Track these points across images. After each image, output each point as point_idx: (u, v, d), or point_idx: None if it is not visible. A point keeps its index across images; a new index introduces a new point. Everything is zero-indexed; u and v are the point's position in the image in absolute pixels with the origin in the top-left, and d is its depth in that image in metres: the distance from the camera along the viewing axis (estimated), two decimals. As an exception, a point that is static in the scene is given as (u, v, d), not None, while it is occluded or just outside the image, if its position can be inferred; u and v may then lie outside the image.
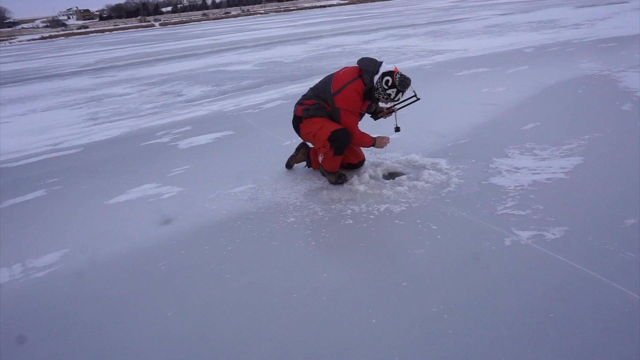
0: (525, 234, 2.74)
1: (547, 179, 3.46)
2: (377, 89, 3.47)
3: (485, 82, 7.06)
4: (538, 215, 2.94)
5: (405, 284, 2.42)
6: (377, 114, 3.91)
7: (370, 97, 3.56)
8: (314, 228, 3.11)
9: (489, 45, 11.34)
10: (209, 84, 9.97)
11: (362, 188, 3.56)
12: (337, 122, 3.57)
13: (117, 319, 2.42)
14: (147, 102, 8.62)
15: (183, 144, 5.51)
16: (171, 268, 2.83)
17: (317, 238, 2.98)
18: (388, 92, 3.44)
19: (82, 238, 3.33)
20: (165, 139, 5.80)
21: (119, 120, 7.35)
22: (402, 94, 3.49)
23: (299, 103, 3.74)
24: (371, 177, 3.79)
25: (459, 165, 3.86)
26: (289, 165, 4.20)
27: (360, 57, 3.65)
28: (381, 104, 3.83)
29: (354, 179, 3.72)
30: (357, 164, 3.94)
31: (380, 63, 3.54)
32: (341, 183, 3.73)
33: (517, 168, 3.70)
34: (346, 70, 3.63)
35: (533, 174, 3.58)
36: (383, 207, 3.28)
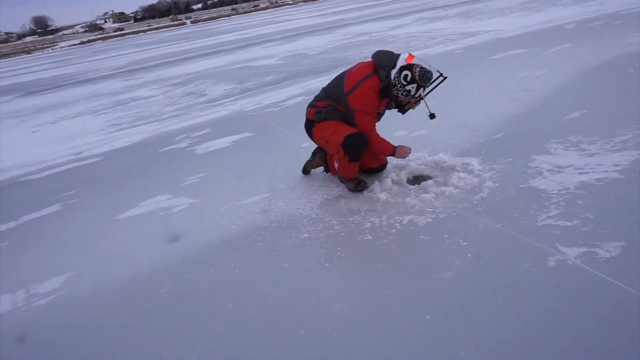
0: (573, 252, 2.33)
1: (598, 180, 3.00)
2: (395, 85, 3.11)
3: (522, 66, 6.49)
4: (588, 227, 2.52)
5: (429, 317, 2.08)
6: (403, 107, 3.50)
7: (387, 94, 3.20)
8: (328, 245, 2.81)
9: (525, 23, 10.57)
10: (232, 82, 9.78)
11: (383, 196, 3.22)
12: (352, 124, 3.23)
13: (114, 353, 2.22)
14: (170, 104, 8.53)
15: (200, 148, 5.31)
16: (173, 295, 2.61)
17: (332, 258, 2.68)
18: (407, 88, 3.07)
19: (88, 260, 3.18)
20: (183, 144, 5.63)
21: (141, 124, 7.27)
22: (424, 90, 3.11)
23: (310, 105, 3.43)
24: (394, 182, 3.44)
25: (493, 166, 3.44)
26: (306, 170, 3.91)
27: (375, 51, 3.28)
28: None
29: (375, 186, 3.38)
30: (378, 168, 3.60)
31: (398, 56, 3.16)
32: (361, 190, 3.40)
33: (561, 167, 3.25)
34: (360, 66, 3.28)
35: (580, 173, 3.12)
36: (406, 218, 2.93)
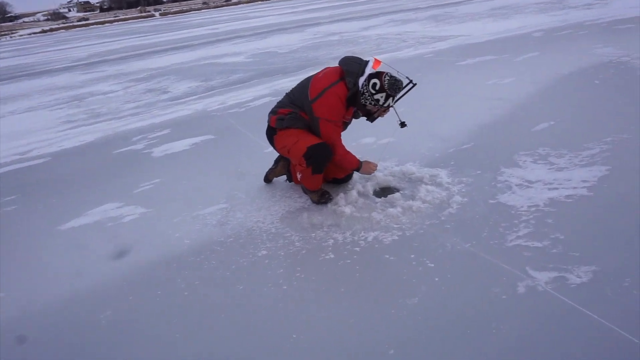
0: (543, 277, 2.21)
1: (567, 197, 2.92)
2: (363, 93, 2.94)
3: (491, 72, 6.46)
4: (558, 249, 2.41)
5: (392, 352, 1.91)
6: (372, 114, 3.33)
7: (354, 103, 3.03)
8: (287, 265, 2.61)
9: (494, 29, 10.66)
10: (197, 79, 9.42)
11: (348, 210, 3.04)
12: (317, 133, 3.04)
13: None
14: (130, 101, 8.10)
15: (158, 151, 5.00)
16: (113, 323, 2.34)
17: (290, 280, 2.47)
18: (376, 97, 2.91)
19: (20, 276, 2.86)
20: (139, 145, 5.30)
21: (97, 122, 6.84)
22: (393, 99, 2.96)
23: (272, 112, 3.21)
24: (360, 194, 3.27)
25: (462, 178, 3.32)
26: (268, 179, 3.69)
27: (342, 57, 3.10)
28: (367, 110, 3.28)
29: (340, 198, 3.20)
30: (344, 179, 3.42)
31: (366, 63, 2.99)
32: (325, 203, 3.21)
33: (530, 182, 3.16)
34: (326, 72, 3.08)
35: (549, 189, 3.04)
36: (371, 235, 2.76)
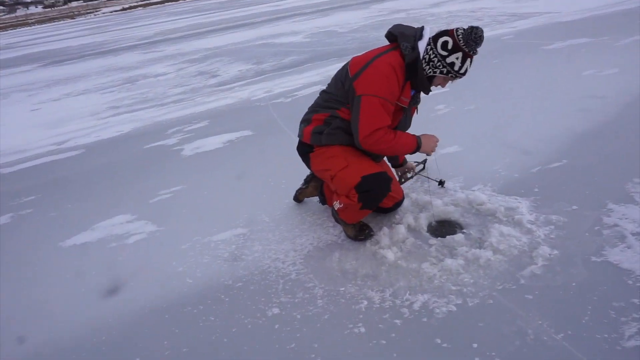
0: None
1: None
2: (430, 60, 2.16)
3: (587, 60, 5.28)
4: None
5: None
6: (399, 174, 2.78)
7: (415, 77, 2.22)
8: (302, 336, 1.95)
9: (589, 4, 9.08)
10: (249, 61, 8.88)
11: (391, 255, 2.32)
12: (354, 120, 2.23)
13: None
14: (178, 85, 7.76)
15: (189, 148, 4.51)
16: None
17: (301, 364, 1.82)
18: (449, 59, 2.12)
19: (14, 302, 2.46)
20: (172, 140, 4.84)
21: (140, 109, 6.53)
22: (471, 61, 2.14)
23: (305, 120, 2.51)
24: (409, 229, 2.53)
25: (551, 217, 2.46)
26: (298, 199, 3.03)
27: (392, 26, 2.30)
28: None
29: (382, 235, 2.48)
30: (392, 207, 2.68)
31: (422, 27, 2.22)
32: (363, 240, 2.50)
33: (654, 230, 2.24)
34: (371, 50, 2.32)
35: (686, 245, 2.11)
36: (419, 300, 2.03)
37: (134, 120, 5.97)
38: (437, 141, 2.43)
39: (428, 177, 2.88)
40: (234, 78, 7.67)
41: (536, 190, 2.75)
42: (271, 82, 6.82)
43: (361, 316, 2.00)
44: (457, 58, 2.10)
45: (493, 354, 1.70)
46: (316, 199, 3.01)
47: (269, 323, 2.05)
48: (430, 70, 2.17)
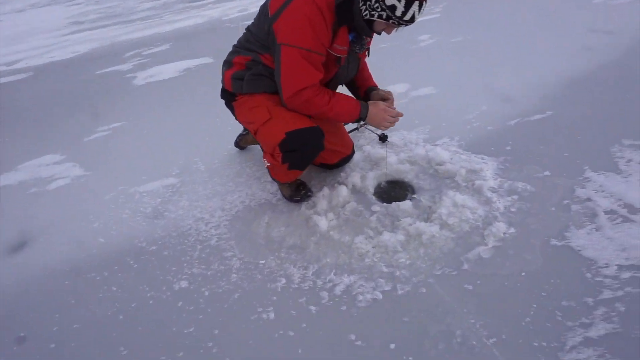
0: None
1: (697, 255, 1.67)
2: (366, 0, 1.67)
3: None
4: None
5: None
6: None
7: (349, 18, 1.76)
8: (201, 322, 1.69)
9: None
10: (232, -27, 8.01)
11: (324, 224, 2.01)
12: (277, 74, 1.81)
13: None
14: (150, 0, 7.02)
15: (142, 76, 4.06)
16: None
17: (197, 353, 1.58)
18: (389, 1, 1.63)
19: None
20: (127, 65, 4.37)
21: (102, 27, 5.95)
22: (421, 7, 1.65)
23: (226, 62, 2.07)
24: (354, 190, 2.20)
25: (518, 184, 2.11)
26: (239, 145, 2.68)
27: None
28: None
29: (321, 196, 2.16)
30: (337, 163, 2.32)
31: None
32: (298, 201, 2.18)
33: (633, 208, 1.90)
34: None
35: (667, 228, 1.79)
36: (344, 282, 1.75)
37: (94, 39, 5.43)
38: (392, 117, 1.96)
39: (371, 131, 2.46)
40: (211, -7, 6.92)
41: (508, 148, 2.37)
42: (249, 0, 6.13)
43: (275, 298, 1.73)
44: (398, 0, 1.61)
45: (410, 359, 1.45)
46: (258, 148, 2.65)
47: (172, 299, 1.80)
48: (367, 12, 1.69)
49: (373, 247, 1.86)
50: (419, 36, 3.99)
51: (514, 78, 3.08)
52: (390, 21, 1.68)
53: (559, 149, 2.31)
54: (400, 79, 3.20)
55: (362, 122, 2.00)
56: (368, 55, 2.11)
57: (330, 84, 1.99)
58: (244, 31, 2.03)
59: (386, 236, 1.88)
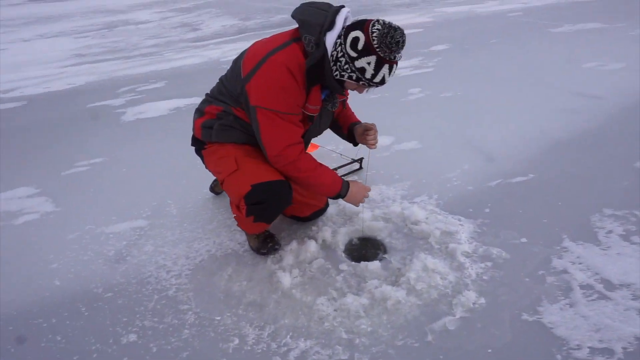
0: None
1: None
2: (339, 59, 1.65)
3: (592, 50, 4.69)
4: None
5: None
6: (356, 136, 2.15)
7: (320, 78, 1.73)
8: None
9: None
10: (237, 16, 8.27)
11: (287, 282, 1.92)
12: (257, 133, 1.80)
13: None
14: (155, 36, 7.23)
15: (132, 112, 4.07)
16: None
17: None
18: (359, 63, 1.60)
19: None
20: (119, 100, 4.40)
21: (103, 61, 6.05)
22: (391, 70, 1.63)
23: (198, 111, 2.05)
24: (323, 246, 2.12)
25: (493, 250, 2.03)
26: (214, 191, 2.63)
27: (300, 4, 1.77)
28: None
29: (288, 250, 2.08)
30: (310, 217, 2.26)
31: (338, 9, 1.68)
32: (265, 253, 2.10)
33: (611, 284, 1.81)
34: (274, 36, 1.82)
35: (643, 310, 1.69)
36: (299, 348, 1.64)
37: (92, 72, 5.50)
38: (366, 194, 2.01)
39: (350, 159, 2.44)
40: (213, 34, 7.10)
41: (487, 210, 2.31)
42: (248, 43, 6.24)
43: (224, 361, 1.62)
44: (368, 63, 1.59)
45: None
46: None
47: (118, 354, 1.68)
48: (338, 73, 1.67)
49: (335, 310, 1.76)
50: (410, 89, 4.02)
51: (499, 137, 3.06)
52: (360, 82, 1.66)
53: (538, 215, 2.25)
54: (385, 131, 3.18)
55: (339, 174, 1.99)
56: (344, 107, 2.11)
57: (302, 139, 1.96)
58: (217, 81, 2.02)
59: (350, 299, 1.79)
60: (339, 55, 1.63)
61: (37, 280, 2.08)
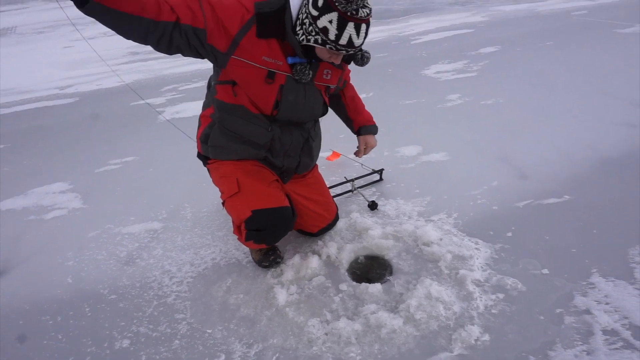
0: None
1: None
2: (303, 21, 1.51)
3: (665, 55, 4.22)
4: None
5: None
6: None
7: (278, 32, 1.56)
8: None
9: None
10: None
11: (282, 298, 1.86)
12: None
13: None
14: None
15: (170, 111, 4.19)
16: None
17: None
18: (320, 22, 1.45)
19: None
20: (161, 99, 4.55)
21: (154, 59, 6.30)
22: (357, 27, 1.46)
23: (199, 119, 2.04)
24: (327, 263, 2.04)
25: (507, 280, 1.86)
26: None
27: None
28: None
29: (290, 265, 2.02)
30: (316, 233, 2.18)
31: None
32: (267, 266, 2.06)
33: (618, 334, 1.59)
34: None
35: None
36: (283, 371, 1.58)
37: (141, 70, 5.73)
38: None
39: (363, 195, 2.36)
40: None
41: (509, 234, 2.12)
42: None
43: (207, 381, 1.59)
44: (330, 21, 1.43)
45: None
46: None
47: (109, 359, 1.71)
48: (304, 37, 1.52)
49: (325, 334, 1.68)
50: (448, 95, 3.82)
51: (538, 151, 2.82)
52: (327, 46, 1.50)
53: (567, 243, 2.03)
54: (414, 140, 3.03)
55: (356, 186, 1.91)
56: (330, 91, 1.93)
57: (281, 113, 1.75)
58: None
59: (342, 323, 1.70)
60: (304, 17, 1.50)
61: (52, 277, 2.17)
